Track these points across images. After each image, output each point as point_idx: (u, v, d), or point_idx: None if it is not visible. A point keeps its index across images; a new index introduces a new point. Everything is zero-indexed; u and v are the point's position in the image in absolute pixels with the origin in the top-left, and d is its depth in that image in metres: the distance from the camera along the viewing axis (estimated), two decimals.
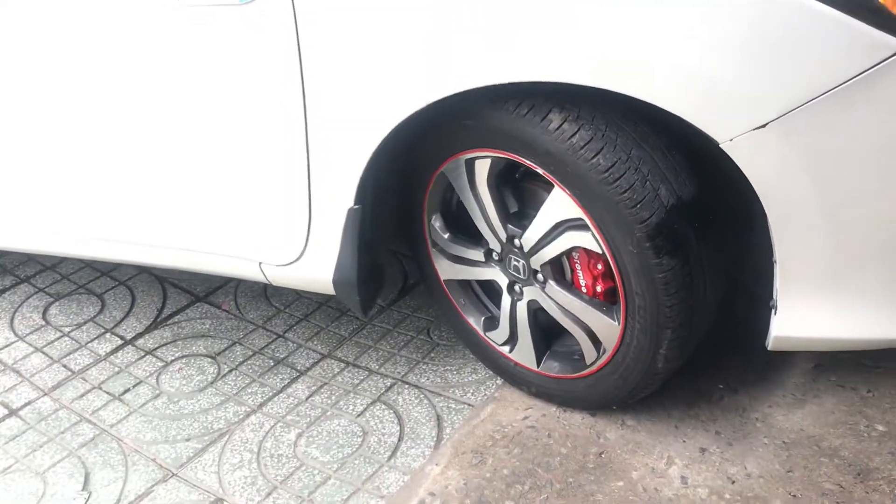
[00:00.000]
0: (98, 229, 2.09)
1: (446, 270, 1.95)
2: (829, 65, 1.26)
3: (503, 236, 1.75)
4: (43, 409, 2.03)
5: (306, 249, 1.82)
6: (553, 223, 1.62)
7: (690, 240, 1.49)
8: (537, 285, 1.74)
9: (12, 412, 2.02)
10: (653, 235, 1.45)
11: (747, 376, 1.88)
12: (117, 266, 2.57)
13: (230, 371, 2.12)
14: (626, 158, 1.45)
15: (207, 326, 2.30)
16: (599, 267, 1.64)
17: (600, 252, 1.56)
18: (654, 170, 1.46)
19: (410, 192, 1.89)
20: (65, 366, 2.17)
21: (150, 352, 2.21)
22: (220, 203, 1.88)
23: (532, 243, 1.68)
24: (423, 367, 2.08)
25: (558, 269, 1.70)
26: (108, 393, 2.07)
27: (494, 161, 1.66)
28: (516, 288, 1.80)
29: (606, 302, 1.65)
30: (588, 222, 1.54)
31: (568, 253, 1.66)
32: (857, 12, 1.23)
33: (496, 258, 1.81)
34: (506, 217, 1.73)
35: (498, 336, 1.92)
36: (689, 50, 1.30)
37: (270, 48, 1.61)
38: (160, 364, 2.16)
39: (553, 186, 1.56)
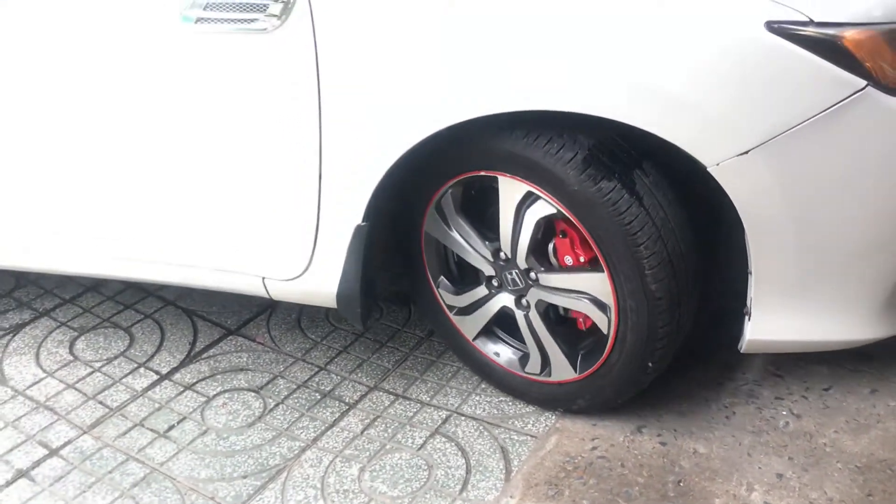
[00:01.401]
0: (100, 245, 2.07)
1: (469, 328, 2.03)
2: (803, 99, 1.43)
3: (489, 255, 1.87)
4: (85, 448, 1.94)
5: (311, 265, 1.88)
6: (513, 210, 1.75)
7: (622, 166, 1.62)
8: (534, 286, 1.84)
9: (53, 452, 1.93)
10: (583, 168, 1.60)
11: (808, 404, 1.91)
12: (141, 298, 2.49)
13: (277, 405, 2.06)
14: (538, 122, 1.62)
15: (245, 360, 2.24)
16: (576, 247, 1.74)
17: (555, 210, 1.69)
18: (568, 122, 1.60)
19: (414, 268, 2.04)
20: (101, 402, 2.09)
21: (190, 387, 2.14)
22: (227, 220, 1.92)
23: (509, 241, 1.80)
24: (476, 398, 2.05)
25: (543, 257, 1.81)
26: (151, 430, 1.99)
27: (453, 191, 1.85)
28: (522, 301, 1.88)
29: (591, 265, 1.74)
30: (535, 191, 1.69)
31: (541, 231, 1.76)
32: (827, 54, 1.41)
33: (496, 284, 1.91)
34: (483, 236, 1.87)
35: (534, 366, 1.93)
36: (682, 84, 1.46)
37: (289, 70, 1.69)
38: (202, 399, 2.09)
39: (497, 179, 1.73)
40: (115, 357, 2.25)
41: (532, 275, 1.82)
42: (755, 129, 1.45)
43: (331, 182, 1.76)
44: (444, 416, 2.00)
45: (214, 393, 2.11)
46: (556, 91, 1.52)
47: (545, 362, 1.91)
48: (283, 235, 1.88)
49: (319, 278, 1.88)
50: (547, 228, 1.77)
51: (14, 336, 2.33)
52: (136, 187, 1.97)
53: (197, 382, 2.15)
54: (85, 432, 1.99)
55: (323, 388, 2.12)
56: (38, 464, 1.89)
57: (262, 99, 1.74)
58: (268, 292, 1.98)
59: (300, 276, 1.90)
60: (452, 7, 1.56)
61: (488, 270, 1.90)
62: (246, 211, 1.89)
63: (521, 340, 1.95)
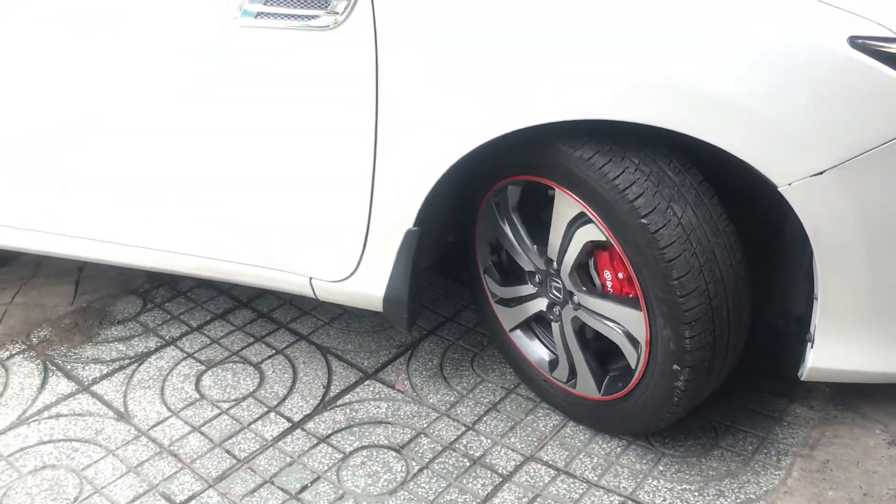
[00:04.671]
0: (151, 238, 2.04)
1: (588, 385, 1.86)
2: (884, 119, 1.36)
3: (531, 283, 1.89)
4: None
5: (359, 267, 1.85)
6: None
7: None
8: (561, 270, 1.77)
9: None
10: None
11: None
12: (272, 331, 2.29)
13: (420, 470, 1.81)
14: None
15: (384, 410, 2.00)
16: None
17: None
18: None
19: (526, 376, 2.03)
20: (228, 451, 1.88)
21: (324, 439, 1.91)
22: (276, 216, 1.90)
23: (521, 253, 1.84)
24: (654, 483, 1.75)
25: (541, 236, 1.80)
26: (283, 490, 1.77)
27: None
28: (574, 299, 1.78)
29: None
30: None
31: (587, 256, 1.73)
32: None
33: (557, 311, 1.84)
34: (506, 278, 1.96)
35: (630, 355, 1.73)
36: (757, 100, 1.38)
37: (347, 69, 1.65)
38: (338, 455, 1.86)
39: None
40: (244, 398, 2.05)
41: (555, 262, 1.78)
42: (832, 148, 1.39)
43: (384, 184, 1.73)
44: (616, 502, 1.71)
45: (351, 449, 1.88)
46: (625, 102, 1.45)
47: (632, 341, 1.71)
48: (333, 235, 1.85)
49: (367, 281, 1.85)
50: (525, 197, 1.79)
51: (139, 366, 2.16)
52: (185, 180, 1.94)
53: (332, 434, 1.92)
54: (210, 486, 1.79)
55: (472, 452, 1.86)
56: None
57: (319, 96, 1.71)
58: (314, 292, 1.94)
59: (348, 278, 1.87)
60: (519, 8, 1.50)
61: (541, 304, 1.89)
62: (296, 209, 1.87)
63: (621, 359, 1.78)
